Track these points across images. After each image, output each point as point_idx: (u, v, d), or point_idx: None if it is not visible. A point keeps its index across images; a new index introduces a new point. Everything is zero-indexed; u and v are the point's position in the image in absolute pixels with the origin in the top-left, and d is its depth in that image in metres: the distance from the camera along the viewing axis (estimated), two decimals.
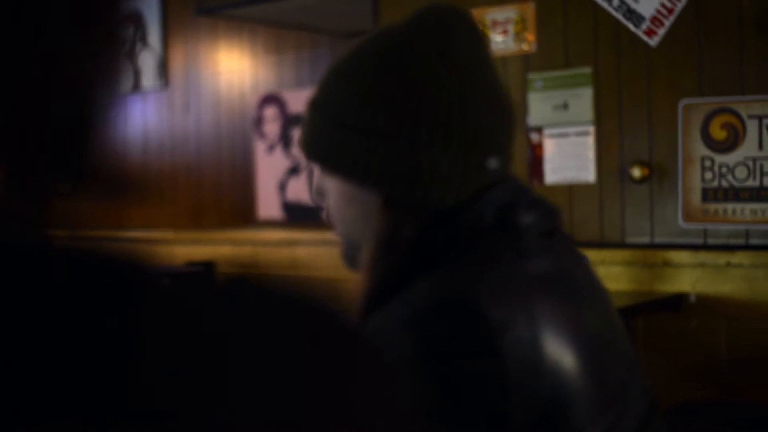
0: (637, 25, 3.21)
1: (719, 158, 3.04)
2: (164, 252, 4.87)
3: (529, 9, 3.45)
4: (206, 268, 4.65)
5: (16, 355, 0.40)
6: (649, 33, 3.19)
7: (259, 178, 4.74)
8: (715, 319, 3.02)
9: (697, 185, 3.08)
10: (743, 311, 2.98)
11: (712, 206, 3.05)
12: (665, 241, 3.16)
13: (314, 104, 1.26)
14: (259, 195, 4.74)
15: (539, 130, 3.40)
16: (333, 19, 4.27)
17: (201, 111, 4.97)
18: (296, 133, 4.60)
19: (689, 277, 3.08)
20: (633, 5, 3.21)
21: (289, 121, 4.63)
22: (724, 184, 3.03)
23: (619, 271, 3.18)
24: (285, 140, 4.64)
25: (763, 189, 2.97)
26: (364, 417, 0.46)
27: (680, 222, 3.11)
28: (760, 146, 2.97)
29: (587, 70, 3.32)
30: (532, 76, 3.43)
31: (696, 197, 3.08)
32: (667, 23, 3.15)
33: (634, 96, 3.23)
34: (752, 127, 2.98)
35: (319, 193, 1.30)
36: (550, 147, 3.35)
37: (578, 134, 3.32)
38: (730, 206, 3.02)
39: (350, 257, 1.29)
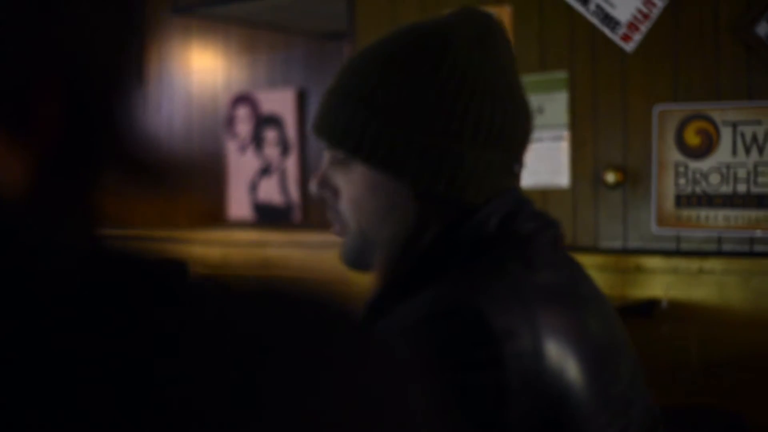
0: (613, 31, 3.21)
1: (693, 164, 3.05)
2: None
3: (505, 12, 3.45)
4: (180, 265, 4.60)
5: (48, 355, 0.40)
6: (625, 38, 3.19)
7: (230, 178, 4.70)
8: (687, 325, 3.02)
9: (670, 191, 3.08)
10: (715, 317, 2.98)
11: (685, 212, 3.06)
12: (638, 247, 3.16)
13: (344, 91, 1.22)
14: (230, 195, 4.70)
15: None
16: (308, 19, 4.25)
17: (173, 110, 4.93)
18: (268, 134, 4.57)
19: (662, 282, 3.08)
20: (609, 10, 3.22)
21: (261, 121, 4.60)
22: (698, 190, 3.03)
23: (592, 276, 3.17)
24: (257, 140, 4.61)
25: (737, 196, 2.98)
26: (373, 420, 0.46)
27: (653, 227, 3.12)
28: (734, 153, 2.98)
29: (563, 74, 3.32)
30: None
31: (669, 203, 3.08)
32: (643, 29, 3.16)
33: (609, 101, 3.23)
34: (726, 133, 3.00)
35: (324, 185, 1.25)
36: None
37: (553, 138, 3.32)
38: (703, 212, 3.02)
39: (358, 257, 1.25)
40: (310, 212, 4.45)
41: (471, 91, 1.18)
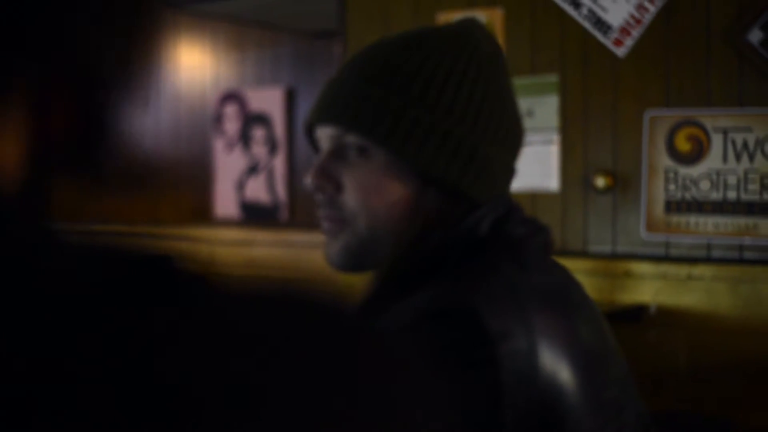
0: (605, 35, 3.21)
1: (683, 170, 3.05)
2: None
3: (497, 15, 3.44)
4: (166, 260, 4.57)
5: (37, 352, 0.40)
6: (617, 43, 3.19)
7: (217, 177, 4.68)
8: (675, 331, 3.02)
9: (660, 197, 3.08)
10: (703, 324, 2.98)
11: (674, 218, 3.05)
12: (627, 252, 3.16)
13: (361, 74, 1.18)
14: (217, 193, 4.68)
15: None
16: (297, 17, 4.23)
17: (161, 107, 4.90)
18: (256, 132, 4.55)
19: (650, 288, 3.08)
20: (602, 14, 3.21)
21: (249, 119, 4.57)
22: (688, 196, 3.03)
23: (581, 281, 3.16)
24: (245, 139, 4.59)
25: (726, 202, 2.97)
26: (369, 417, 0.46)
27: (643, 233, 3.11)
28: (725, 159, 2.98)
29: (554, 77, 3.31)
30: None
31: (659, 208, 3.08)
32: (635, 34, 3.16)
33: (599, 105, 3.23)
34: (717, 140, 2.99)
35: (325, 177, 1.19)
36: None
37: (543, 142, 3.31)
38: (692, 218, 3.02)
39: (357, 257, 1.19)
40: (296, 212, 4.43)
41: (487, 85, 1.19)
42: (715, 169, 3.00)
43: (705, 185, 3.01)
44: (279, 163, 4.48)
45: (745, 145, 2.95)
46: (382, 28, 3.54)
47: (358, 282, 1.22)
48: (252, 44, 4.61)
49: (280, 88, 4.49)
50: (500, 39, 3.43)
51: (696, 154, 3.03)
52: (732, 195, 2.96)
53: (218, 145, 4.68)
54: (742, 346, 2.92)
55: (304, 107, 4.41)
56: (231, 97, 4.65)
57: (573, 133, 3.27)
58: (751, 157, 2.95)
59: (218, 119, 4.67)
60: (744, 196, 2.95)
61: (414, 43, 1.20)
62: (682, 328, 3.02)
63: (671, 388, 3.02)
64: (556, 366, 1.07)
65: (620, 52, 3.18)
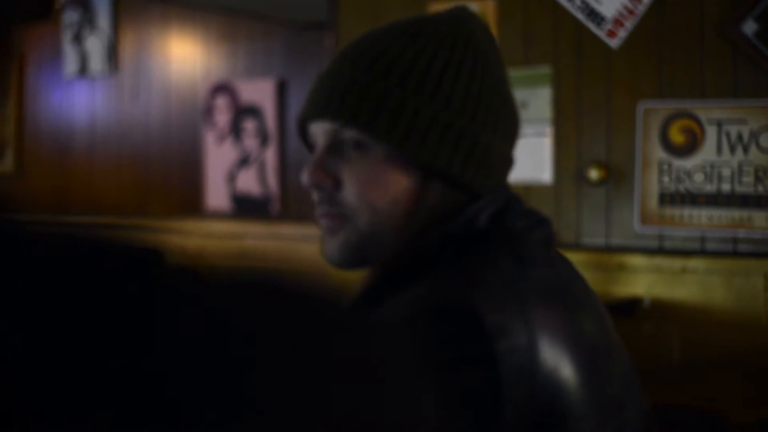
0: (598, 26, 3.19)
1: (677, 162, 3.03)
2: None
3: (489, 6, 3.42)
4: (154, 253, 4.55)
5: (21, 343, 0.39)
6: (611, 34, 3.17)
7: (208, 169, 4.65)
8: (669, 324, 3.01)
9: (654, 189, 3.06)
10: (697, 317, 2.97)
11: (668, 211, 3.04)
12: (621, 244, 3.14)
13: (363, 68, 1.15)
14: (208, 185, 4.65)
15: None
16: (288, 8, 4.20)
17: (150, 98, 4.87)
18: (247, 124, 4.52)
19: (644, 281, 3.06)
20: (595, 5, 3.19)
21: (240, 111, 4.55)
22: (682, 188, 3.02)
23: None
24: (236, 131, 4.56)
25: (721, 195, 2.96)
26: (366, 412, 0.45)
27: (636, 225, 3.10)
28: (719, 151, 2.97)
29: (547, 69, 3.29)
30: None
31: (653, 201, 3.06)
32: (629, 25, 3.14)
33: (593, 97, 3.21)
34: (711, 132, 2.98)
35: (324, 173, 1.17)
36: None
37: (536, 134, 3.29)
38: (686, 211, 3.01)
39: (357, 254, 1.17)
40: (288, 204, 4.41)
41: (484, 74, 1.18)
42: (710, 161, 2.98)
43: (699, 177, 2.99)
44: (270, 156, 4.45)
45: (740, 137, 2.93)
46: (374, 20, 3.51)
47: (353, 276, 1.19)
48: (243, 36, 4.58)
49: (271, 79, 4.46)
50: (493, 30, 3.40)
51: (690, 146, 3.01)
52: (726, 187, 2.95)
53: (209, 137, 4.65)
54: (736, 340, 2.90)
55: (296, 99, 4.39)
56: (221, 88, 4.62)
57: (566, 125, 3.25)
58: (746, 150, 2.93)
59: (209, 111, 4.64)
60: (738, 189, 2.93)
61: (408, 33, 1.18)
62: (676, 321, 3.00)
63: (665, 382, 3.01)
64: (557, 362, 1.04)
65: (614, 43, 3.16)
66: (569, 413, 1.05)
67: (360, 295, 1.16)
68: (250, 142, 4.53)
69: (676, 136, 3.03)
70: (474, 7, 3.41)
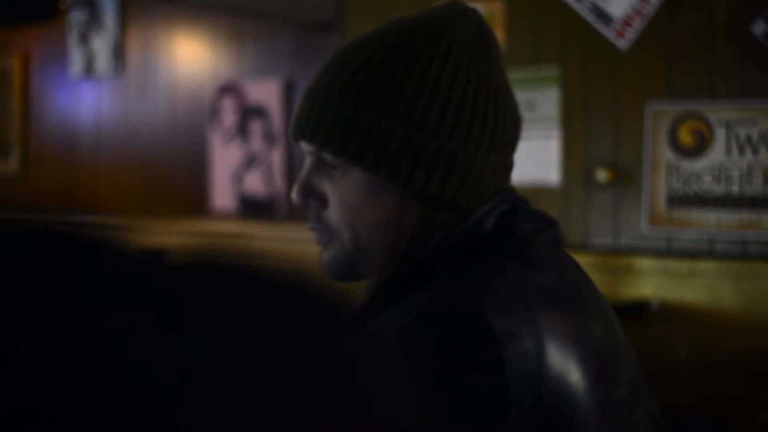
0: (606, 27, 3.17)
1: (686, 164, 3.01)
2: (114, 238, 4.77)
3: (498, 7, 3.41)
4: (157, 255, 4.55)
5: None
6: (619, 35, 3.15)
7: (214, 169, 4.64)
8: (677, 327, 2.99)
9: (662, 190, 3.05)
10: (705, 319, 2.95)
11: (677, 212, 3.02)
12: (629, 246, 3.12)
13: (331, 87, 1.14)
14: (214, 186, 4.64)
15: None
16: (295, 9, 4.19)
17: (157, 98, 4.87)
18: (254, 125, 4.52)
19: (652, 283, 3.05)
20: (603, 6, 3.17)
21: (246, 112, 4.54)
22: (690, 190, 3.00)
23: None
24: (242, 131, 4.56)
25: (729, 196, 2.94)
26: (362, 415, 0.44)
27: (644, 227, 3.08)
28: (728, 153, 2.95)
29: (555, 70, 3.27)
30: None
31: (661, 202, 3.05)
32: (637, 26, 3.12)
33: (601, 98, 3.19)
34: (720, 133, 2.96)
35: (309, 192, 1.17)
36: None
37: (543, 135, 3.28)
38: (695, 213, 2.99)
39: (346, 270, 1.17)
40: (295, 206, 4.40)
41: (466, 85, 1.13)
42: (718, 162, 2.96)
43: (708, 179, 2.98)
44: (277, 157, 4.44)
45: (749, 138, 2.92)
46: (380, 19, 3.49)
47: (357, 283, 1.20)
48: (250, 36, 4.57)
49: (278, 80, 4.45)
50: (501, 31, 3.39)
51: (699, 148, 2.99)
52: (735, 189, 2.93)
53: (215, 138, 4.64)
54: (745, 342, 2.89)
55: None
56: (228, 89, 4.61)
57: (574, 126, 3.24)
58: (755, 151, 2.91)
59: (215, 111, 4.63)
60: (747, 190, 2.92)
61: (387, 44, 1.14)
62: (684, 323, 2.98)
63: (673, 384, 2.99)
64: (565, 367, 1.03)
65: (622, 44, 3.15)
66: (576, 418, 1.04)
67: (366, 300, 1.15)
68: (257, 143, 4.52)
69: (685, 138, 3.01)
70: (481, 7, 3.40)
